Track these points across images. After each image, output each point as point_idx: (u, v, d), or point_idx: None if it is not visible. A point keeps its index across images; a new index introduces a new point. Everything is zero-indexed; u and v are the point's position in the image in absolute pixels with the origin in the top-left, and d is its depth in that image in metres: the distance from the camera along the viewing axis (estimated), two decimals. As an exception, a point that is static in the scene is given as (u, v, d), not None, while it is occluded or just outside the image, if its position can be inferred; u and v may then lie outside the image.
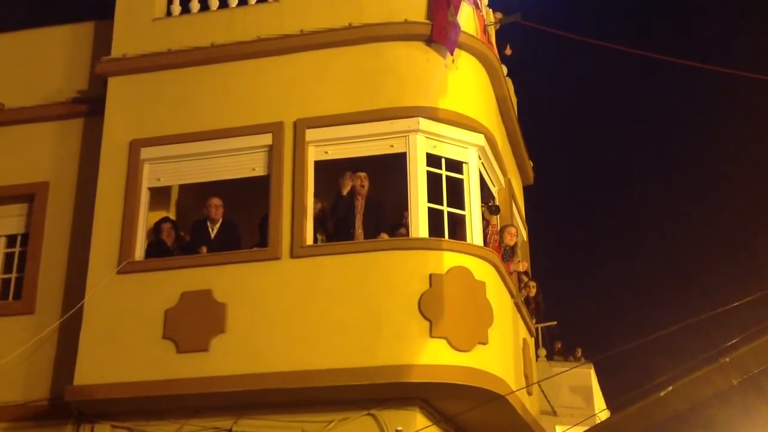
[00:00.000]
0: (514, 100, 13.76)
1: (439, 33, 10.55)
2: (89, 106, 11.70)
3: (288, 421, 9.73)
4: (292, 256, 10.03)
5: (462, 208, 10.44)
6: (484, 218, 10.85)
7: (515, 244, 12.12)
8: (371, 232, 10.23)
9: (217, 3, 11.41)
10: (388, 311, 9.59)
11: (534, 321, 13.13)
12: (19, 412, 10.52)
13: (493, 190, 11.89)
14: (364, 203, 10.47)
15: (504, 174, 12.20)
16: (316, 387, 9.45)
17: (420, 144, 10.26)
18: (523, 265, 12.83)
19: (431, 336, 9.50)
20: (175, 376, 9.79)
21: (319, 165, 10.49)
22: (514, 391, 10.24)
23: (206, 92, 10.98)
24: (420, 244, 9.90)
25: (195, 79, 11.07)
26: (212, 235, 10.67)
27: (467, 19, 11.18)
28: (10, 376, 10.62)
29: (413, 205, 10.06)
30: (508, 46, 12.94)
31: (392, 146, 10.36)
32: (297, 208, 10.19)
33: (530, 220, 14.63)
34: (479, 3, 11.82)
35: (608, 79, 46.11)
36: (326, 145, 10.50)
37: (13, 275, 11.54)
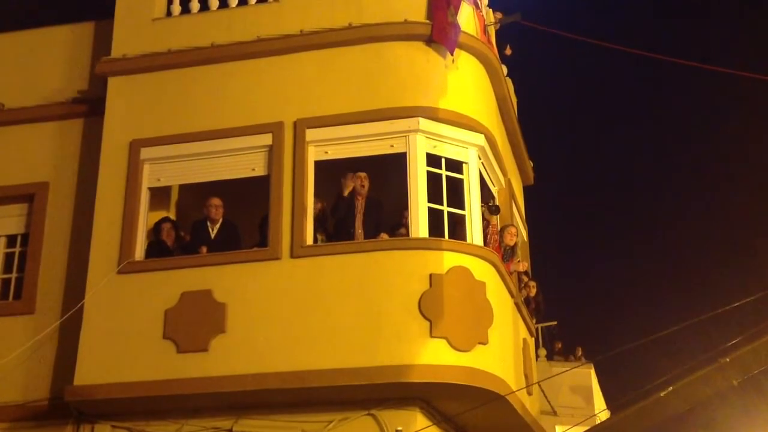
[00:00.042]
0: (514, 100, 13.77)
1: (439, 33, 10.55)
2: (89, 106, 11.70)
3: (288, 421, 9.73)
4: (292, 256, 10.03)
5: (462, 208, 10.44)
6: (484, 218, 10.85)
7: (515, 244, 12.13)
8: (371, 232, 10.23)
9: (217, 3, 11.41)
10: (388, 311, 9.59)
11: (534, 321, 13.13)
12: (19, 412, 10.52)
13: (493, 190, 11.89)
14: (364, 203, 10.47)
15: (504, 174, 12.20)
16: (316, 387, 9.45)
17: (420, 144, 10.26)
18: (523, 265, 12.83)
19: (431, 336, 9.49)
20: (175, 376, 9.79)
21: (319, 165, 10.49)
22: (514, 391, 10.24)
23: (206, 92, 10.98)
24: (420, 244, 9.90)
25: (195, 79, 11.07)
26: (212, 235, 10.67)
27: (467, 19, 11.18)
28: (10, 376, 10.62)
29: (413, 205, 10.06)
30: (508, 46, 12.95)
31: (392, 146, 10.36)
32: (297, 208, 10.19)
33: (530, 220, 14.65)
34: (479, 3, 11.82)
35: (608, 79, 46.14)
36: (326, 145, 10.50)
37: (13, 275, 11.53)
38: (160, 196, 11.27)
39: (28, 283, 11.20)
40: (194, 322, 9.93)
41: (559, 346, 20.23)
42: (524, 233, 13.98)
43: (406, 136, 10.30)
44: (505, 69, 12.53)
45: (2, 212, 11.76)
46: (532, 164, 14.84)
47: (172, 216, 11.42)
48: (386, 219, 10.51)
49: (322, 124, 10.48)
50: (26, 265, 11.34)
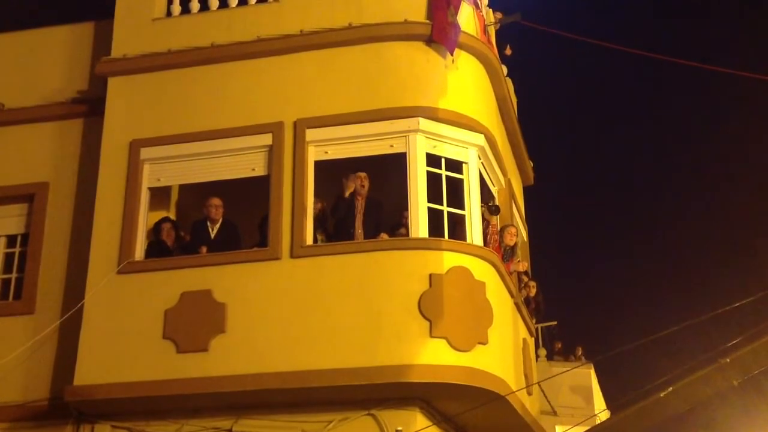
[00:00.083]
0: (514, 100, 13.77)
1: (439, 33, 10.55)
2: (89, 107, 11.70)
3: (288, 421, 9.73)
4: (292, 256, 10.03)
5: (462, 208, 10.44)
6: (484, 218, 10.85)
7: (515, 244, 12.13)
8: (371, 232, 10.23)
9: (217, 3, 11.41)
10: (388, 311, 9.59)
11: (534, 321, 13.13)
12: (18, 412, 10.52)
13: (493, 190, 11.89)
14: (364, 203, 10.47)
15: (504, 174, 12.20)
16: (316, 387, 9.44)
17: (420, 144, 10.26)
18: (523, 265, 12.83)
19: (431, 336, 9.49)
20: (175, 376, 9.79)
21: (319, 165, 10.49)
22: (514, 392, 10.23)
23: (206, 92, 10.98)
24: (420, 244, 9.89)
25: (195, 79, 11.07)
26: (212, 235, 10.67)
27: (467, 19, 11.18)
28: (10, 376, 10.62)
29: (413, 205, 10.06)
30: (508, 46, 12.94)
31: (392, 146, 10.36)
32: (297, 208, 10.19)
33: (530, 220, 14.64)
34: (479, 3, 11.82)
35: (608, 79, 46.13)
36: (326, 145, 10.50)
37: (13, 275, 11.53)
38: (160, 196, 11.27)
39: (28, 283, 11.20)
40: (194, 322, 9.93)
41: (559, 346, 20.22)
42: (524, 233, 13.98)
43: (406, 136, 10.30)
44: (505, 69, 12.53)
45: (2, 212, 11.76)
46: (532, 164, 14.84)
47: (172, 216, 11.41)
48: (386, 219, 10.51)
49: (322, 124, 10.47)
50: (26, 265, 11.34)
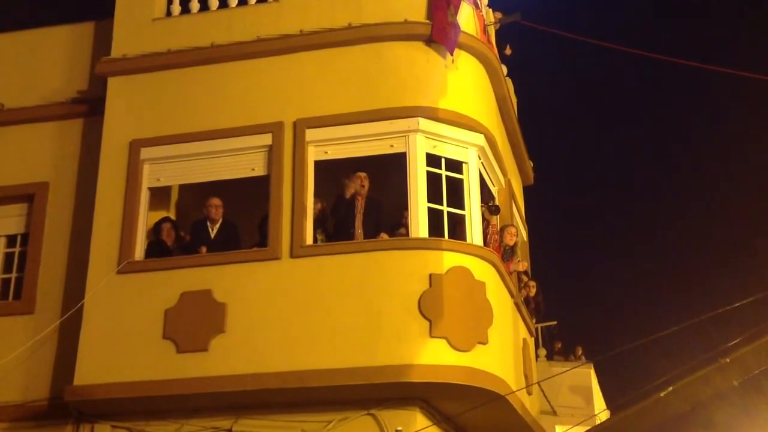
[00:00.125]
0: (514, 100, 13.76)
1: (439, 33, 10.55)
2: (89, 107, 11.70)
3: (287, 421, 9.73)
4: (292, 256, 10.03)
5: (462, 208, 10.44)
6: (484, 218, 10.85)
7: (515, 244, 12.13)
8: (371, 232, 10.23)
9: (217, 3, 11.41)
10: (387, 311, 9.59)
11: (534, 321, 13.13)
12: (18, 412, 10.52)
13: (493, 190, 11.88)
14: (364, 203, 10.46)
15: (504, 174, 12.20)
16: (316, 387, 9.44)
17: (420, 144, 10.26)
18: (523, 265, 12.83)
19: (431, 336, 9.49)
20: (175, 376, 9.79)
21: (319, 165, 10.49)
22: (514, 391, 10.23)
23: (206, 92, 10.98)
24: (420, 244, 9.89)
25: (195, 79, 11.07)
26: (212, 235, 10.67)
27: (467, 19, 11.18)
28: (10, 376, 10.62)
29: (413, 205, 10.06)
30: (508, 46, 12.94)
31: (392, 146, 10.36)
32: (297, 208, 10.18)
33: (530, 220, 14.64)
34: (479, 3, 11.81)
35: (608, 79, 46.10)
36: (326, 145, 10.50)
37: (13, 275, 11.54)
38: (160, 196, 11.27)
39: (28, 283, 11.20)
40: (194, 322, 9.93)
41: (559, 346, 20.20)
42: (524, 233, 13.98)
43: (405, 136, 10.30)
44: (505, 69, 12.53)
45: (2, 212, 11.76)
46: (532, 164, 14.84)
47: (172, 216, 11.41)
48: (386, 219, 10.51)
49: (322, 124, 10.47)
50: (26, 265, 11.35)
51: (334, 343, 9.56)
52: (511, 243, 11.97)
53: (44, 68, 12.23)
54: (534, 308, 12.91)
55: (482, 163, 11.03)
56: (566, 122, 45.81)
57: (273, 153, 10.48)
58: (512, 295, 11.21)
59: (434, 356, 9.45)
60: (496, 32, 12.79)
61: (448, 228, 10.23)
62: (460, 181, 10.54)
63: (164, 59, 11.18)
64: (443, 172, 10.44)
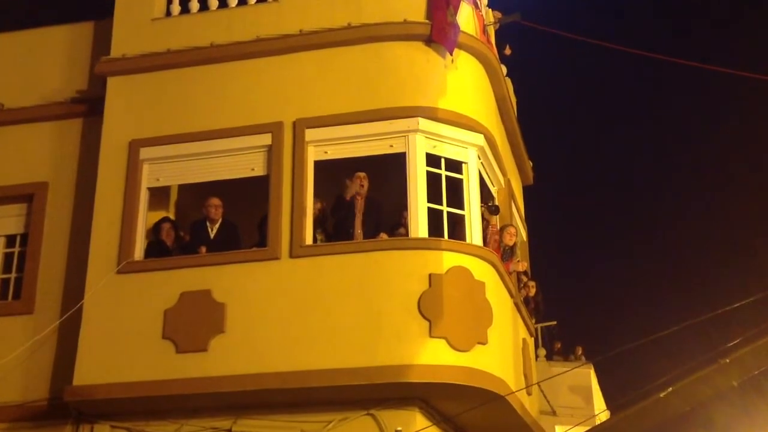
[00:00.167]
0: (514, 100, 13.76)
1: (439, 33, 10.54)
2: (88, 106, 11.69)
3: (287, 422, 9.73)
4: (292, 256, 10.03)
5: (461, 208, 10.43)
6: (483, 218, 10.84)
7: (515, 244, 12.13)
8: (371, 232, 10.22)
9: (217, 3, 11.41)
10: (387, 311, 9.58)
11: (533, 321, 13.13)
12: (18, 412, 10.52)
13: (493, 190, 11.88)
14: (364, 203, 10.46)
15: (504, 174, 12.19)
16: (316, 387, 9.44)
17: (420, 144, 10.26)
18: (523, 265, 12.83)
19: (431, 336, 9.49)
20: (175, 376, 9.78)
21: (319, 165, 10.48)
22: (513, 392, 10.23)
23: (206, 92, 10.98)
24: (419, 244, 9.89)
25: (194, 79, 11.06)
26: (212, 235, 10.66)
27: (467, 19, 11.17)
28: (10, 377, 10.61)
29: (413, 205, 10.05)
30: (508, 46, 12.93)
31: (392, 146, 10.36)
32: (296, 208, 10.18)
33: (530, 220, 14.64)
34: (479, 3, 11.81)
35: (608, 79, 46.11)
36: (326, 145, 10.50)
37: (13, 275, 11.53)
38: (159, 196, 11.26)
39: (28, 283, 11.19)
40: (193, 322, 9.93)
41: (559, 346, 20.21)
42: (524, 233, 13.97)
43: (405, 136, 10.29)
44: (504, 69, 12.52)
45: (1, 212, 11.76)
46: (531, 164, 14.83)
47: (172, 216, 11.41)
48: (386, 219, 10.51)
49: (322, 124, 10.47)
50: (25, 265, 11.34)
51: (333, 343, 9.56)
52: (511, 243, 11.97)
53: (44, 68, 12.23)
54: (534, 308, 12.91)
55: (482, 163, 11.03)
56: (566, 122, 45.84)
57: (273, 153, 10.48)
58: (512, 295, 11.20)
59: (434, 356, 9.44)
60: (496, 32, 12.79)
61: (447, 228, 10.23)
62: (460, 181, 10.54)
63: (164, 59, 11.17)
64: (443, 172, 10.43)
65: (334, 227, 10.57)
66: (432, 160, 10.36)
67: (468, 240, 10.26)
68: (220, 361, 9.75)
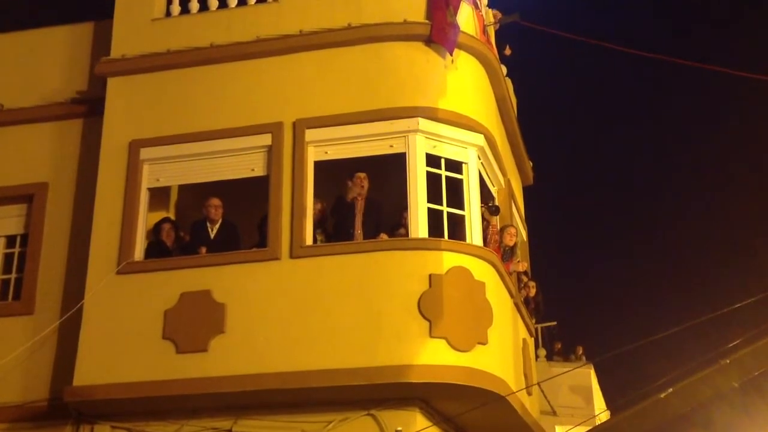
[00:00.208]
0: (514, 100, 13.75)
1: (439, 33, 10.54)
2: (88, 107, 11.69)
3: (287, 422, 9.72)
4: (292, 256, 10.02)
5: (462, 208, 10.43)
6: (484, 218, 10.84)
7: (515, 244, 12.12)
8: (371, 233, 10.22)
9: (217, 3, 11.41)
10: (387, 311, 9.58)
11: (534, 321, 13.12)
12: (18, 412, 10.51)
13: (493, 190, 11.88)
14: (364, 203, 10.46)
15: (504, 174, 12.19)
16: (316, 387, 9.44)
17: (420, 144, 10.25)
18: (523, 265, 12.82)
19: (431, 336, 9.49)
20: (175, 377, 9.78)
21: (319, 165, 10.48)
22: (514, 392, 10.23)
23: (206, 93, 10.97)
24: (419, 245, 9.89)
25: (194, 79, 11.06)
26: (212, 236, 10.66)
27: (466, 19, 11.17)
28: (10, 377, 10.61)
29: (413, 205, 10.05)
30: (508, 46, 12.93)
31: (392, 146, 10.36)
32: (296, 208, 10.18)
33: (530, 220, 14.63)
34: (479, 3, 11.81)
35: (608, 79, 46.13)
36: (326, 146, 10.49)
37: (13, 276, 11.53)
38: (159, 196, 11.26)
39: (28, 283, 11.19)
40: (193, 323, 9.93)
41: (559, 346, 20.24)
42: (524, 233, 13.97)
43: (405, 136, 10.29)
44: (504, 69, 12.52)
45: (1, 213, 11.75)
46: (531, 164, 14.83)
47: (172, 216, 11.41)
48: (386, 219, 10.50)
49: (322, 125, 10.47)
50: (25, 265, 11.34)
51: (333, 343, 9.56)
52: (511, 243, 11.96)
53: (44, 68, 12.22)
54: (534, 308, 12.90)
55: (482, 163, 11.02)
56: (566, 122, 45.88)
57: (273, 153, 10.48)
58: (512, 296, 11.20)
59: (434, 356, 9.44)
60: (496, 32, 12.78)
61: (447, 228, 10.22)
62: (460, 181, 10.54)
63: (164, 59, 11.17)
64: (443, 173, 10.43)
65: (334, 227, 10.57)
66: (432, 160, 10.36)
67: (468, 240, 10.26)
68: (220, 362, 9.75)
